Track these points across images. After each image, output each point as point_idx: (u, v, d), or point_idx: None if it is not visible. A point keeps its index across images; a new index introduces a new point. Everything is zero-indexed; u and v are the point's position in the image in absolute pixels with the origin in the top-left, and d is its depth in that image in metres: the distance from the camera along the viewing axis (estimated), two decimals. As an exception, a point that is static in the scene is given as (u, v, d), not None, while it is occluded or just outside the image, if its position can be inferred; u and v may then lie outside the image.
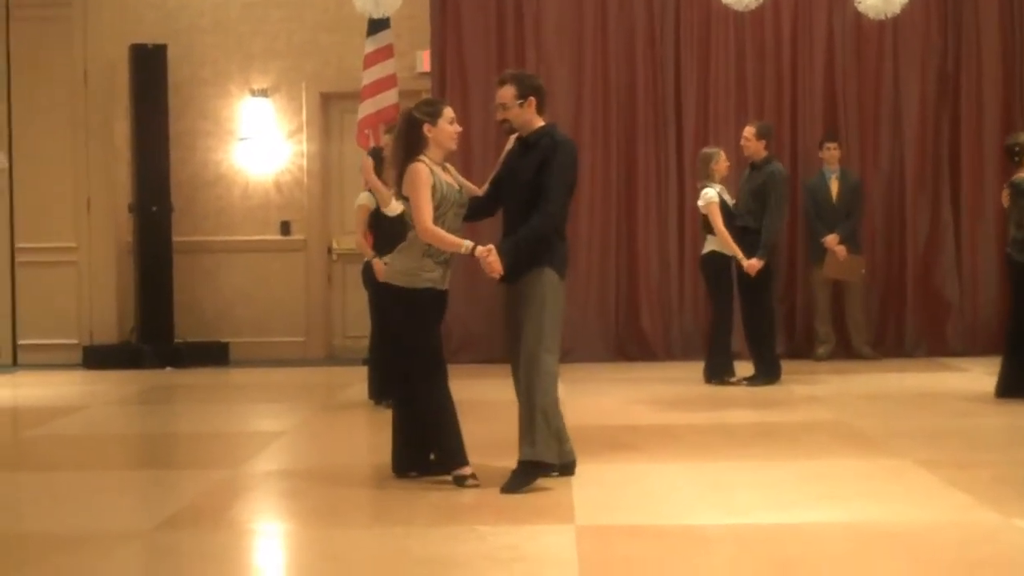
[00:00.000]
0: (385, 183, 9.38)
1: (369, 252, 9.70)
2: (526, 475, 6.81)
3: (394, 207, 9.65)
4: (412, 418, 7.09)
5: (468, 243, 6.77)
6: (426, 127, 6.95)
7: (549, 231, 6.89)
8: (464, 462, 6.93)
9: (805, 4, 13.22)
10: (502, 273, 6.77)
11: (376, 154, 9.90)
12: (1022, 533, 5.74)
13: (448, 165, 7.15)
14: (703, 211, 10.87)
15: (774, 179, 10.85)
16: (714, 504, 6.46)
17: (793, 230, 12.79)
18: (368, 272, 9.78)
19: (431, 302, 6.96)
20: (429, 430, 7.03)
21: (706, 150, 11.24)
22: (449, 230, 6.90)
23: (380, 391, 9.88)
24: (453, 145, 7.09)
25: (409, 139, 6.97)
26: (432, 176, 6.85)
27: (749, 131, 11.11)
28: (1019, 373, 9.65)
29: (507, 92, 6.98)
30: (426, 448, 7.14)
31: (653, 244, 13.18)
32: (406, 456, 7.16)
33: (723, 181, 11.02)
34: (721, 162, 11.00)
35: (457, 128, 7.07)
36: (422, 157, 6.90)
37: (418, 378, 7.00)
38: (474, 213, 7.21)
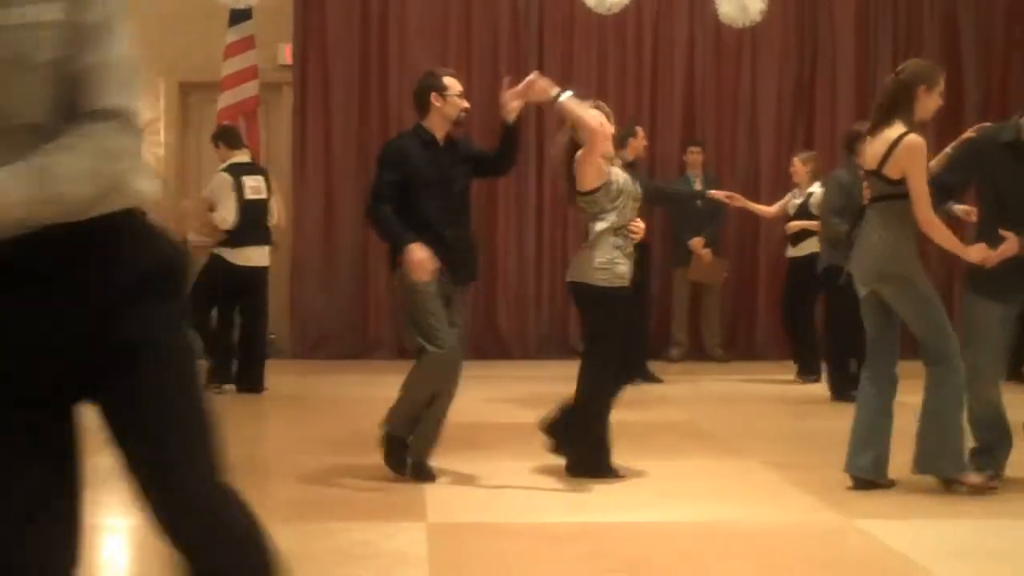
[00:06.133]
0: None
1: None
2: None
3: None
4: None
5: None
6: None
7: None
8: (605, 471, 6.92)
9: (667, 10, 13.41)
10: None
11: (225, 132, 10.34)
12: (864, 534, 5.87)
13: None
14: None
15: None
16: (564, 502, 6.51)
17: (651, 234, 12.85)
18: (213, 264, 10.14)
19: (624, 302, 6.87)
20: (591, 432, 6.95)
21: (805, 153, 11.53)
22: None
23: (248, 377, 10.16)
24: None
25: None
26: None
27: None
28: None
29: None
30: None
31: (512, 243, 13.22)
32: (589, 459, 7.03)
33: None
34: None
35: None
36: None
37: (597, 380, 6.91)
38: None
